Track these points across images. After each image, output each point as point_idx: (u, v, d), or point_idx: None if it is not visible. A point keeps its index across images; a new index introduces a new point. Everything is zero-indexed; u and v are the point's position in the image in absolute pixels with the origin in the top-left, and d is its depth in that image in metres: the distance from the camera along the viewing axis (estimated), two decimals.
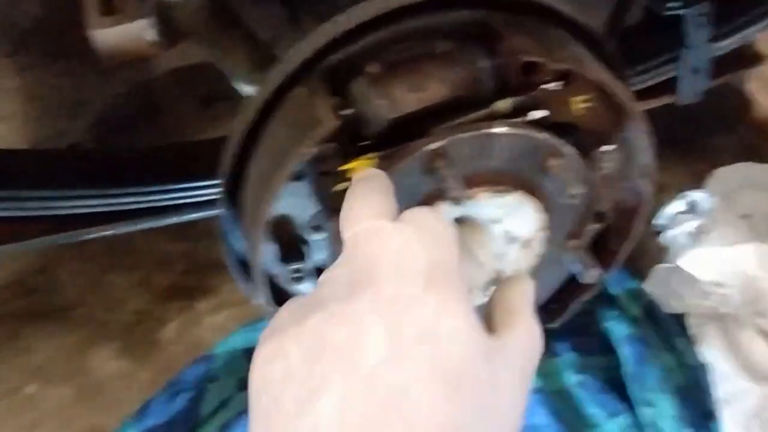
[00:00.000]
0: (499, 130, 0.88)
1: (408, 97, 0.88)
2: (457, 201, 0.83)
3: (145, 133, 1.94)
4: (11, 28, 1.99)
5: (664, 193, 1.62)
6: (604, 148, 0.92)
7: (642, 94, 1.36)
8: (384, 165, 0.81)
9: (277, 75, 0.90)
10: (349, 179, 0.78)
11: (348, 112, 0.89)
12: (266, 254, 0.90)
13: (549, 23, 0.96)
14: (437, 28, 0.93)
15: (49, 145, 1.95)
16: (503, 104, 0.92)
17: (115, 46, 1.32)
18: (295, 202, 0.93)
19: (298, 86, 0.90)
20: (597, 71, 0.92)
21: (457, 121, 0.89)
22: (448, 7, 0.92)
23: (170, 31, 1.28)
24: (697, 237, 1.58)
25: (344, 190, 0.73)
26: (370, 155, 0.84)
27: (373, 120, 0.88)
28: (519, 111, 0.88)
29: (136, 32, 1.27)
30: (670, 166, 1.71)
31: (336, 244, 0.87)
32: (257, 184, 0.92)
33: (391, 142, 0.84)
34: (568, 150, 0.87)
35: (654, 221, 1.60)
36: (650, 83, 1.37)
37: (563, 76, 0.87)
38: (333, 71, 0.91)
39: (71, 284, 1.75)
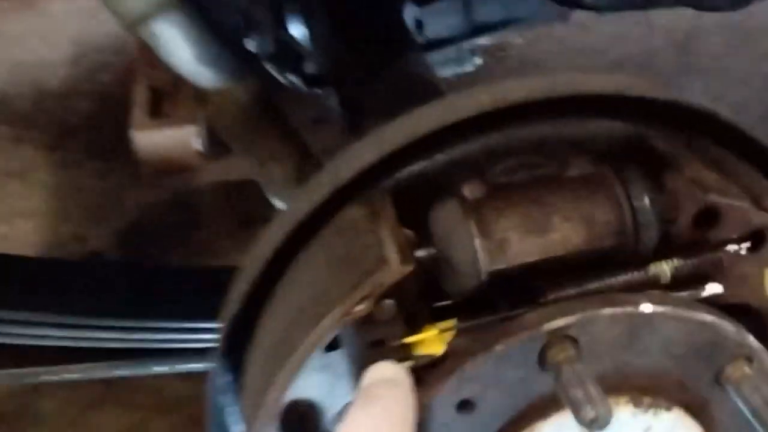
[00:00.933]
0: (655, 309, 0.57)
1: (524, 241, 0.59)
2: (592, 422, 0.50)
3: (175, 248, 1.75)
4: (57, 123, 1.97)
5: None
6: None
7: None
8: (467, 344, 0.58)
9: (320, 186, 0.59)
10: (413, 357, 0.58)
11: (425, 253, 0.58)
12: None
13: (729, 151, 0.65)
14: (573, 140, 0.62)
15: (69, 248, 1.78)
16: (662, 268, 0.60)
17: (157, 151, 1.26)
18: (322, 382, 0.62)
19: (353, 205, 0.59)
20: None
21: (592, 286, 0.59)
22: (589, 113, 0.61)
23: (217, 142, 1.21)
24: None
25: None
26: (447, 324, 0.59)
27: (461, 270, 0.58)
28: (684, 281, 0.61)
29: (182, 139, 1.21)
30: None
31: None
32: (270, 352, 0.61)
33: (481, 308, 0.60)
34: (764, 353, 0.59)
35: None
36: None
37: (754, 235, 0.62)
38: (406, 190, 0.61)
39: (52, 418, 1.48)
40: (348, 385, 0.61)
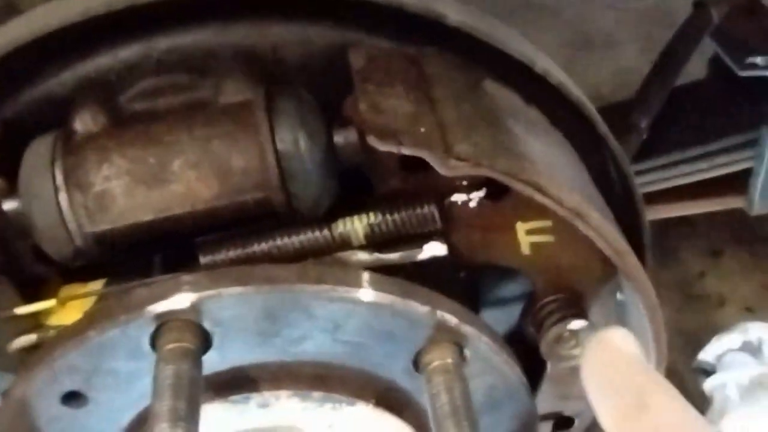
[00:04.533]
0: (297, 286, 0.43)
1: (133, 195, 0.45)
2: None
3: None
4: None
5: (721, 311, 1.32)
6: (572, 324, 0.52)
7: (696, 191, 1.00)
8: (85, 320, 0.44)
9: None
10: (43, 328, 0.48)
11: (13, 206, 0.46)
12: None
13: (486, 74, 0.50)
14: (244, 51, 0.49)
15: None
16: (353, 226, 0.47)
17: None
18: None
19: None
20: (554, 185, 0.45)
21: (258, 247, 0.47)
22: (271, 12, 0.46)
23: None
24: (751, 392, 1.21)
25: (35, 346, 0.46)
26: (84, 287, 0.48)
27: (46, 232, 0.45)
28: (391, 241, 0.48)
29: None
30: (732, 276, 1.36)
31: None
32: None
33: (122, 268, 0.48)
34: (486, 331, 0.47)
35: (700, 356, 1.24)
36: (710, 175, 0.98)
37: (490, 181, 0.47)
38: (21, 122, 0.48)
39: None
40: None
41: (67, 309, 0.48)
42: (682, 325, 1.30)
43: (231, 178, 0.45)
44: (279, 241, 0.46)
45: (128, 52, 0.47)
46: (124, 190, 0.44)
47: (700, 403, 1.22)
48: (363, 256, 0.48)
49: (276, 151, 0.45)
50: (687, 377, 1.23)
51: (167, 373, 0.41)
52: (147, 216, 0.44)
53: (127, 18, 0.46)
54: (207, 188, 0.45)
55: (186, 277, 0.43)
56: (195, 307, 0.42)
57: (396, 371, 0.47)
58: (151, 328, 0.42)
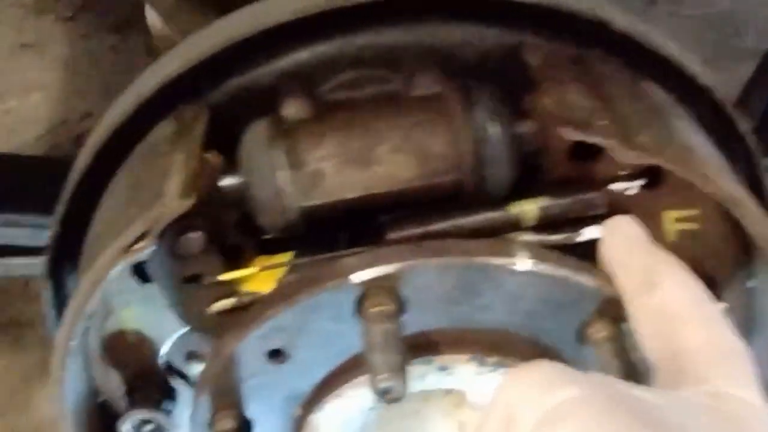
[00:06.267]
0: (488, 260, 0.48)
1: (342, 174, 0.50)
2: (383, 393, 0.42)
3: None
4: None
5: None
6: None
7: None
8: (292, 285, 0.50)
9: (124, 102, 0.52)
10: (237, 294, 0.53)
11: (233, 182, 0.50)
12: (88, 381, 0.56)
13: (641, 75, 0.54)
14: (429, 50, 0.53)
15: (77, 125, 1.71)
16: (525, 208, 0.51)
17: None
18: (146, 313, 0.56)
19: (165, 121, 0.51)
20: (715, 174, 0.50)
21: (439, 226, 0.51)
22: (452, 16, 0.51)
23: None
24: None
25: (231, 310, 0.51)
26: (278, 259, 0.53)
27: (265, 205, 0.50)
28: (554, 224, 0.52)
29: None
30: None
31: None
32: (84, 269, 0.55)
33: (322, 240, 0.52)
34: None
35: None
36: None
37: (648, 172, 0.51)
38: (229, 106, 0.53)
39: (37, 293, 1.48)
40: (176, 318, 0.56)
41: (260, 278, 0.54)
42: None
43: (429, 161, 0.50)
44: (458, 221, 0.51)
45: (327, 48, 0.52)
46: (334, 169, 0.49)
47: None
48: (528, 236, 0.53)
49: (472, 137, 0.50)
50: None
51: (377, 331, 0.46)
52: (352, 193, 0.50)
53: (327, 16, 0.51)
54: (407, 170, 0.50)
55: (387, 249, 0.48)
56: (397, 276, 0.47)
57: (563, 341, 0.52)
58: (356, 293, 0.48)
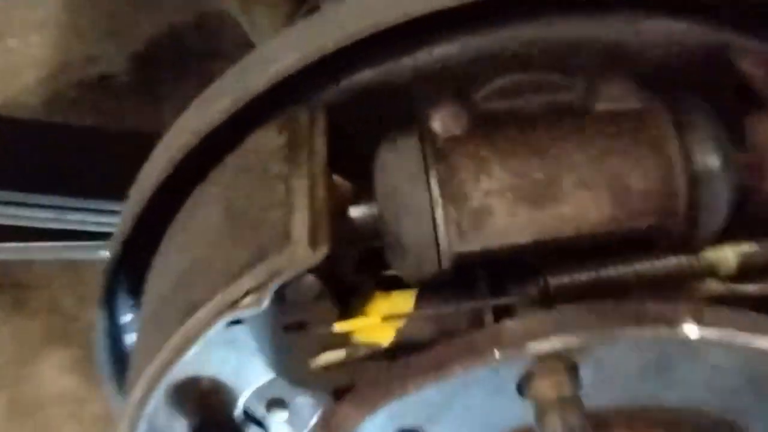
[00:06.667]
0: (703, 333, 0.37)
1: (515, 213, 0.38)
2: None
3: (189, 77, 1.59)
4: None
5: None
6: None
7: None
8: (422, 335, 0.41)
9: (220, 98, 0.40)
10: (347, 344, 0.42)
11: (365, 212, 0.40)
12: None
13: None
14: (612, 50, 0.42)
15: (78, 68, 1.65)
16: (725, 255, 0.40)
17: None
18: (227, 358, 0.45)
19: (270, 125, 0.40)
20: None
21: (612, 272, 0.40)
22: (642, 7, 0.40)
23: None
24: None
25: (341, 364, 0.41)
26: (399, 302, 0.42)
27: (413, 250, 0.39)
28: (756, 273, 0.41)
29: None
30: None
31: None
32: (154, 316, 0.45)
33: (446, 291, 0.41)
34: None
35: None
36: None
37: None
38: (350, 110, 0.42)
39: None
40: (261, 366, 0.45)
41: (378, 326, 0.43)
42: None
43: (627, 201, 0.39)
44: (639, 266, 0.40)
45: (483, 42, 0.41)
46: (506, 207, 0.38)
47: None
48: (716, 286, 0.42)
49: (688, 172, 0.39)
50: None
51: (555, 421, 0.35)
52: (526, 238, 0.38)
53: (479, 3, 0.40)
54: (598, 211, 0.38)
55: (567, 312, 0.37)
56: (579, 349, 0.36)
57: (757, 420, 0.42)
58: (525, 368, 0.37)
